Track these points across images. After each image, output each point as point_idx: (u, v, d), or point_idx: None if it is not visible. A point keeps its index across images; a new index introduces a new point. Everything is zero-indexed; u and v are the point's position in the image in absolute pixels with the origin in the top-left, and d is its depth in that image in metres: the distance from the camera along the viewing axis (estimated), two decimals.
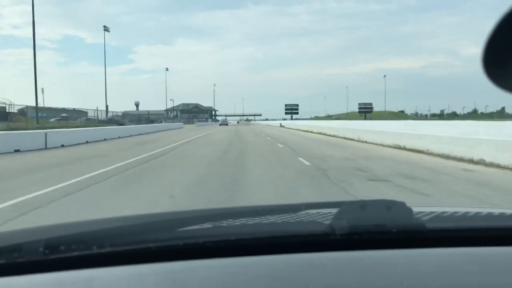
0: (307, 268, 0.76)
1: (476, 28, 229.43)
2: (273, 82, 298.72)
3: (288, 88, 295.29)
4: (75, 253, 0.80)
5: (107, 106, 42.28)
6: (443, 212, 1.10)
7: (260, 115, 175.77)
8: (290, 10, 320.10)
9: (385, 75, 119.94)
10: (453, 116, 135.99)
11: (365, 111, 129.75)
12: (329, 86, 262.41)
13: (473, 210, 1.14)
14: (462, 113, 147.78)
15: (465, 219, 1.07)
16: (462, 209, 1.14)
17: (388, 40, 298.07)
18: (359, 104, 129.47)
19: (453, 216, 1.09)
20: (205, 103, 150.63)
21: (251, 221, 1.00)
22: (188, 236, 0.88)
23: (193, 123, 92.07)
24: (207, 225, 0.95)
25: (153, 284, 0.72)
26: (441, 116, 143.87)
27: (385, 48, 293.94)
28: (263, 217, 1.03)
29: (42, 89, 34.00)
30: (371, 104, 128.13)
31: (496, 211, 1.18)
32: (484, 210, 1.16)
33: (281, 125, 57.55)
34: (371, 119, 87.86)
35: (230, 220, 1.00)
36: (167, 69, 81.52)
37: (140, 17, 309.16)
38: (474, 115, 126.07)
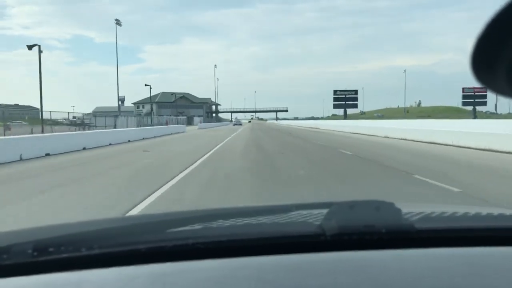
0: (297, 269, 0.82)
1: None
2: (280, 80, 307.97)
3: (294, 87, 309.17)
4: (64, 255, 0.86)
5: None
6: (432, 213, 1.18)
7: (286, 110, 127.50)
8: (296, 8, 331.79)
9: None
10: None
11: (474, 103, 77.39)
12: (337, 85, 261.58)
13: (461, 210, 1.23)
14: None
15: (454, 219, 1.14)
16: (450, 209, 1.22)
17: (396, 38, 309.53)
18: (464, 89, 77.23)
19: (441, 216, 1.17)
20: (204, 96, 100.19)
21: (241, 222, 1.06)
22: (177, 237, 0.93)
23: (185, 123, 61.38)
24: (197, 226, 1.01)
25: (143, 286, 0.78)
26: None
27: (393, 45, 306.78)
28: (253, 218, 1.09)
29: None
30: (484, 90, 74.01)
31: (484, 211, 1.27)
32: (472, 211, 1.25)
33: None
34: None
35: (221, 221, 1.06)
36: (118, 22, 52.47)
37: (146, 16, 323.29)
38: None
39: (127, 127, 36.88)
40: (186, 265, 0.83)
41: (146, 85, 56.35)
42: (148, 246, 0.88)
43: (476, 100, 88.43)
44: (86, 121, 36.14)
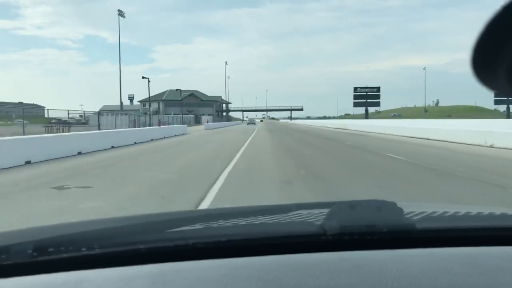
0: (298, 269, 0.82)
1: None
2: (290, 79, 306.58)
3: (305, 86, 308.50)
4: (64, 255, 0.85)
5: None
6: (433, 212, 1.16)
7: (301, 109, 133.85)
8: (307, 7, 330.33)
9: None
10: None
11: (508, 102, 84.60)
12: (349, 84, 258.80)
13: (463, 210, 1.21)
14: None
15: (455, 219, 1.13)
16: (452, 209, 1.21)
17: (409, 37, 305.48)
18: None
19: (443, 216, 1.15)
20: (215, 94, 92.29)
21: (242, 222, 1.05)
22: (178, 237, 0.93)
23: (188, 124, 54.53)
24: (198, 226, 1.00)
25: (143, 286, 0.77)
26: None
27: (406, 45, 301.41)
28: (254, 218, 1.08)
29: None
30: None
31: (486, 211, 1.25)
32: (474, 210, 1.23)
33: None
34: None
35: (221, 221, 1.04)
36: (121, 14, 49.39)
37: (158, 16, 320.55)
38: None
39: (115, 128, 28.07)
40: (186, 265, 0.83)
41: (143, 77, 48.00)
42: (148, 246, 0.87)
43: (510, 98, 79.54)
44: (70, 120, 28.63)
